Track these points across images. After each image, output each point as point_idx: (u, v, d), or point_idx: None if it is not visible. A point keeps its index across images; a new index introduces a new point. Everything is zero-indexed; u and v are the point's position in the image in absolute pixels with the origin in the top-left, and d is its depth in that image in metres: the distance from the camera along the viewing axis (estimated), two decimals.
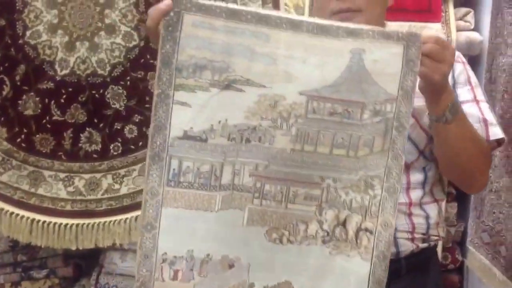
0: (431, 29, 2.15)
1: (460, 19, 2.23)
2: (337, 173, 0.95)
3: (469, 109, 1.17)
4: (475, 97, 1.20)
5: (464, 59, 1.25)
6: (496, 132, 1.18)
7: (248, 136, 0.92)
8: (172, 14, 0.89)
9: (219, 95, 0.90)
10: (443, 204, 1.30)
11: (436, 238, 1.23)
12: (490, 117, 1.19)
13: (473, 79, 1.23)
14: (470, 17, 2.24)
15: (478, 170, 1.15)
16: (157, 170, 0.90)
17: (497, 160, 2.09)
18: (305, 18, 1.09)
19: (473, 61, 2.28)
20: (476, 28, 2.25)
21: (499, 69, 2.16)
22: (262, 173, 0.93)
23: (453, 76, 1.19)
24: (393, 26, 2.10)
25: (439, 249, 2.09)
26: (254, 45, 0.90)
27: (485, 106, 1.20)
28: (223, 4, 0.92)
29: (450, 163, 1.14)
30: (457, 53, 1.22)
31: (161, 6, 0.93)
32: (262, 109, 0.91)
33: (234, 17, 0.90)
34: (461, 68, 1.22)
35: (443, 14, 2.19)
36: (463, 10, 2.24)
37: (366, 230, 0.96)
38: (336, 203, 0.95)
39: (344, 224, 0.96)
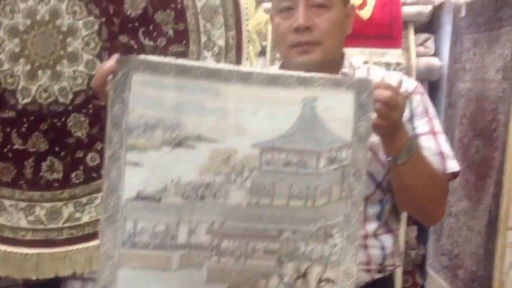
0: (391, 56, 2.20)
1: (420, 45, 2.28)
2: (296, 225, 0.93)
3: (426, 142, 1.19)
4: (432, 129, 1.22)
5: (422, 90, 1.27)
6: (452, 165, 1.20)
7: (202, 193, 0.91)
8: (120, 74, 0.89)
9: (171, 154, 0.90)
10: (399, 232, 1.33)
11: (391, 267, 1.26)
12: (447, 149, 1.21)
13: (431, 110, 1.25)
14: (430, 43, 2.29)
15: (434, 205, 1.18)
16: (112, 232, 0.89)
17: (456, 184, 2.14)
18: (256, 69, 1.10)
19: (433, 86, 2.33)
20: (436, 54, 2.30)
21: (458, 94, 2.22)
22: (218, 229, 0.92)
23: (411, 109, 1.21)
24: (354, 52, 2.16)
25: (398, 274, 2.13)
26: (204, 101, 0.90)
27: (442, 138, 1.23)
28: (172, 61, 0.91)
29: (407, 200, 1.17)
30: (416, 84, 1.26)
31: (106, 67, 0.92)
32: (215, 165, 0.90)
33: (184, 74, 0.89)
34: (418, 100, 1.23)
35: (404, 40, 2.23)
36: (423, 36, 2.29)
37: (328, 280, 0.95)
38: (296, 255, 0.94)
39: (305, 276, 0.95)
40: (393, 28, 2.19)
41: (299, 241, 0.93)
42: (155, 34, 1.83)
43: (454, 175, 1.20)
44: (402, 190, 1.14)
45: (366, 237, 1.20)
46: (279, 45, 1.24)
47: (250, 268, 0.93)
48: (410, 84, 1.24)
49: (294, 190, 0.92)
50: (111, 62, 0.91)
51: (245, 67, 1.25)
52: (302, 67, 1.17)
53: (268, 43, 2.16)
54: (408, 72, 2.21)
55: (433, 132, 1.20)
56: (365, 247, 1.20)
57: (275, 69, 1.28)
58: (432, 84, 2.32)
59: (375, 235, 1.22)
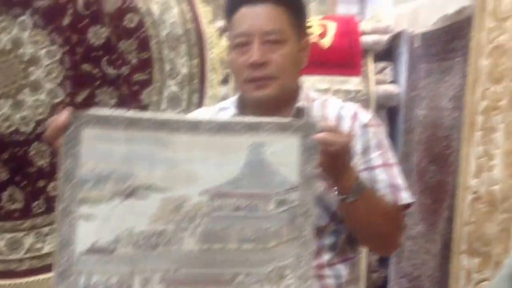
0: (351, 83, 2.27)
1: (379, 72, 2.36)
2: (249, 268, 0.95)
3: (380, 175, 1.22)
4: (386, 161, 1.25)
5: (377, 122, 1.30)
6: (405, 197, 1.23)
7: (155, 241, 0.92)
8: (71, 129, 0.90)
9: (123, 205, 0.91)
10: (358, 259, 1.35)
11: None
12: (400, 181, 1.24)
13: (385, 142, 1.28)
14: (388, 71, 2.38)
15: (388, 238, 1.21)
16: (66, 287, 0.89)
17: (414, 207, 2.21)
18: (204, 118, 1.12)
19: (392, 113, 2.41)
20: (394, 82, 2.38)
21: (415, 121, 2.30)
22: (172, 277, 0.92)
23: (365, 142, 1.24)
24: (316, 80, 2.22)
25: None
26: (154, 151, 0.91)
27: (395, 170, 1.25)
28: (122, 114, 0.93)
29: (360, 235, 1.21)
30: (370, 116, 1.29)
31: (58, 121, 0.93)
32: (167, 213, 0.92)
33: (134, 126, 0.91)
34: (373, 133, 1.26)
35: (363, 68, 2.31)
36: (382, 64, 2.37)
37: None
38: None
39: None
40: (353, 57, 2.27)
41: (253, 284, 0.95)
42: (118, 62, 1.85)
43: (408, 205, 1.24)
44: (353, 227, 1.17)
45: (321, 267, 1.22)
46: (236, 79, 1.26)
47: None
48: (364, 116, 1.27)
49: (246, 234, 0.95)
50: (62, 116, 0.92)
51: (193, 116, 1.27)
52: (258, 101, 1.22)
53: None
54: (367, 99, 2.29)
55: (387, 165, 1.24)
56: (320, 277, 1.22)
57: (229, 103, 1.31)
58: (390, 111, 2.40)
59: (330, 264, 1.24)
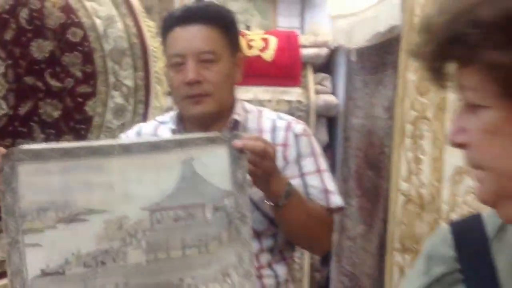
0: (293, 94, 2.37)
1: (319, 83, 2.47)
2: (195, 271, 1.00)
3: (312, 181, 1.29)
4: (318, 168, 1.32)
5: (309, 132, 1.36)
6: (336, 201, 1.31)
7: (102, 259, 0.96)
8: (6, 168, 0.93)
9: (67, 229, 0.95)
10: (293, 260, 1.43)
11: None
12: (331, 186, 1.32)
13: (317, 150, 1.35)
14: (327, 82, 2.50)
15: (318, 239, 1.29)
16: None
17: (354, 209, 2.33)
18: (136, 139, 1.18)
19: (331, 122, 2.53)
20: (333, 92, 2.50)
21: (352, 129, 2.43)
22: None
23: (297, 150, 1.31)
24: (259, 90, 2.31)
25: None
26: (90, 177, 0.95)
27: (326, 176, 1.33)
28: (55, 146, 0.97)
29: (292, 237, 1.28)
30: (303, 127, 1.36)
31: None
32: (110, 233, 0.96)
33: (68, 156, 0.95)
34: (305, 142, 1.33)
35: (303, 80, 2.42)
36: (321, 75, 2.49)
37: None
38: None
39: None
40: (293, 69, 2.38)
41: (201, 285, 1.00)
42: (62, 75, 1.87)
43: (339, 208, 1.32)
44: (286, 230, 1.24)
45: (260, 267, 1.29)
46: (174, 96, 1.31)
47: None
48: (297, 127, 1.34)
49: (187, 241, 1.00)
50: None
51: (125, 139, 1.31)
52: (195, 117, 1.27)
53: None
54: (308, 109, 2.40)
55: (319, 171, 1.31)
56: (260, 277, 1.29)
57: (168, 117, 1.35)
58: (330, 120, 2.52)
59: (269, 265, 1.31)
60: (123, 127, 1.90)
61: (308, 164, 1.30)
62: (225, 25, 1.26)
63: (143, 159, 0.99)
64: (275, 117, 1.35)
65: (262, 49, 2.34)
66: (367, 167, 2.21)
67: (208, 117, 1.26)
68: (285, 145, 1.30)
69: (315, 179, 1.30)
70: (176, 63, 1.25)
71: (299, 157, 1.30)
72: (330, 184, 1.32)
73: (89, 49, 1.89)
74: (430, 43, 0.54)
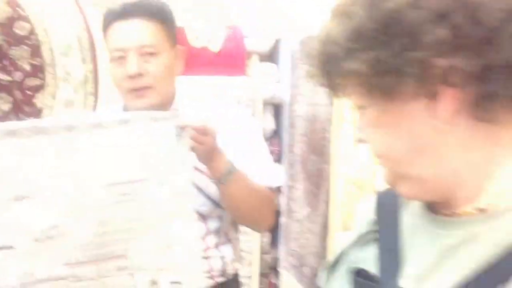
0: (240, 83, 2.46)
1: (264, 73, 2.57)
2: (139, 242, 1.05)
3: (254, 163, 1.34)
4: (258, 151, 1.38)
5: (251, 118, 1.43)
6: (275, 180, 1.38)
7: (53, 234, 1.00)
8: None
9: (17, 206, 0.98)
10: (238, 240, 1.49)
11: (232, 272, 1.42)
12: (271, 167, 1.39)
13: (258, 135, 1.41)
14: (273, 71, 2.60)
15: (259, 216, 1.36)
16: None
17: (300, 193, 2.45)
18: (79, 118, 1.16)
19: (277, 109, 2.63)
20: (279, 81, 2.60)
21: (297, 116, 2.54)
22: (73, 261, 1.02)
23: (241, 136, 1.36)
24: (205, 81, 2.38)
25: (255, 277, 2.37)
26: (38, 155, 0.98)
27: (267, 158, 1.40)
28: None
29: (235, 213, 1.35)
30: (245, 114, 1.43)
31: None
32: (59, 208, 1.00)
33: (13, 135, 0.97)
34: (247, 128, 1.39)
35: (249, 70, 2.51)
36: (267, 64, 2.59)
37: (177, 283, 1.07)
38: (146, 267, 1.06)
39: (156, 283, 1.07)
40: (239, 59, 2.46)
41: (144, 255, 1.06)
42: (10, 69, 1.89)
43: (279, 188, 1.43)
44: (229, 206, 1.31)
45: (207, 249, 1.36)
46: (118, 89, 1.33)
47: (106, 286, 1.04)
48: (238, 114, 1.40)
49: (133, 215, 1.05)
50: None
51: (67, 118, 1.28)
52: (139, 109, 1.27)
53: None
54: (254, 97, 2.49)
55: (260, 153, 1.39)
56: (207, 258, 1.36)
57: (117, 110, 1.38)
58: (276, 107, 2.62)
59: (216, 246, 1.38)
60: None
61: (249, 148, 1.37)
62: (164, 18, 1.29)
63: (91, 137, 1.02)
64: (215, 105, 1.41)
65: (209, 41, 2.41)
66: (311, 152, 2.33)
67: (151, 109, 1.28)
68: (224, 129, 1.35)
69: (257, 161, 1.36)
70: (117, 57, 1.27)
71: (241, 142, 1.36)
72: (271, 165, 1.40)
73: (37, 42, 1.91)
74: (315, 60, 0.63)
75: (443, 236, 0.63)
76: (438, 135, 0.60)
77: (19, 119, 1.91)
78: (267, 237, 2.48)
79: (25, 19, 1.91)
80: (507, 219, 0.60)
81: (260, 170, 1.37)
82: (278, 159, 2.55)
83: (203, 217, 1.34)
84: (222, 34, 2.41)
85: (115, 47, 1.28)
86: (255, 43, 2.51)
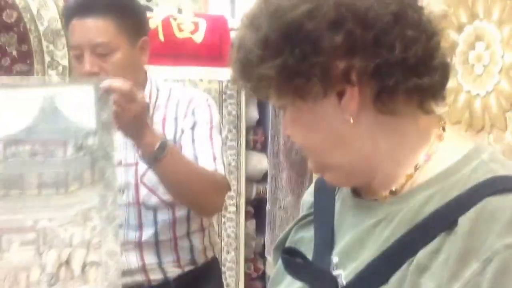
0: (222, 73, 2.50)
1: None
2: (51, 213, 0.94)
3: (203, 147, 1.32)
4: (210, 135, 1.34)
5: (211, 103, 1.39)
6: (221, 168, 1.32)
7: None
8: None
9: None
10: (213, 227, 1.48)
11: (204, 260, 1.41)
12: (218, 154, 1.33)
13: (215, 120, 1.37)
14: None
15: (203, 199, 1.29)
16: None
17: (283, 181, 2.50)
18: None
19: (260, 99, 2.69)
20: None
21: None
22: None
23: (194, 119, 1.34)
24: (190, 70, 2.42)
25: (241, 262, 2.41)
26: None
27: (217, 143, 1.34)
28: None
29: (174, 194, 1.27)
30: (206, 97, 1.40)
31: None
32: None
33: None
34: (204, 111, 1.35)
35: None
36: None
37: (92, 263, 0.96)
38: (56, 243, 0.94)
39: (68, 262, 0.95)
40: (223, 50, 2.50)
41: (58, 227, 0.94)
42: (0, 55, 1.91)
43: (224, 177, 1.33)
44: (168, 186, 1.25)
45: (175, 239, 1.35)
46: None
47: (7, 262, 0.92)
48: (199, 98, 1.39)
49: (45, 179, 0.95)
50: None
51: None
52: None
53: None
54: (238, 87, 2.54)
55: (210, 138, 1.35)
56: (175, 247, 1.35)
57: None
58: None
59: (187, 235, 1.37)
60: None
61: (201, 132, 1.35)
62: (120, 14, 1.27)
63: (2, 93, 0.95)
64: (181, 92, 1.41)
65: (192, 32, 2.45)
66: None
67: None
68: (185, 115, 1.35)
69: (207, 145, 1.33)
70: (76, 55, 1.28)
71: (194, 125, 1.35)
72: (218, 152, 1.35)
73: (24, 30, 1.94)
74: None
75: (365, 218, 0.71)
76: (348, 128, 0.67)
77: None
78: (252, 224, 2.53)
79: (13, 7, 1.93)
80: (415, 199, 0.67)
81: (207, 156, 1.33)
82: (262, 148, 2.60)
83: (170, 205, 1.33)
84: (206, 25, 2.45)
85: (72, 46, 1.31)
86: None
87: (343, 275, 0.69)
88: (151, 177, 1.29)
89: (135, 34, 1.30)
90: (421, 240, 0.63)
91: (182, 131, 1.35)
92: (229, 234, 2.39)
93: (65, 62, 2.00)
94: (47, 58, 1.98)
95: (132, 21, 1.30)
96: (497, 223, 0.58)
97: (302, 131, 0.69)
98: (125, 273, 1.25)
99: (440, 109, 0.71)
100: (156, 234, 1.34)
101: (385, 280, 0.64)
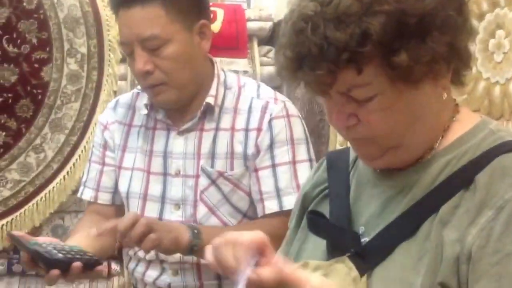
0: (239, 64, 2.52)
1: (264, 55, 2.63)
2: None
3: (284, 173, 1.15)
4: (293, 157, 1.18)
5: (287, 112, 1.20)
6: (286, 203, 1.16)
7: None
8: None
9: None
10: None
11: None
12: (293, 183, 1.15)
13: (296, 135, 1.19)
14: (272, 54, 2.66)
15: None
16: None
17: None
18: None
19: (276, 91, 2.69)
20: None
21: (294, 98, 2.60)
22: None
23: (271, 136, 1.17)
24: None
25: None
26: None
27: (301, 168, 1.16)
28: None
29: None
30: (282, 107, 1.21)
31: None
32: None
33: None
34: (281, 125, 1.18)
35: (249, 51, 2.57)
36: (266, 47, 2.64)
37: None
38: None
39: None
40: (240, 41, 2.51)
41: None
42: (19, 41, 1.94)
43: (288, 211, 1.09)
44: None
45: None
46: (140, 85, 1.24)
47: None
48: (274, 108, 1.23)
49: None
50: None
51: None
52: (161, 106, 1.18)
53: None
54: (253, 79, 2.55)
55: (293, 162, 1.18)
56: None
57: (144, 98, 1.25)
58: (274, 89, 2.68)
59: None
60: (78, 93, 1.99)
61: (282, 153, 1.17)
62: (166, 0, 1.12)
63: None
64: (254, 94, 1.25)
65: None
66: (309, 134, 2.39)
67: (174, 103, 1.17)
68: (259, 129, 1.19)
69: (288, 171, 1.17)
70: (127, 53, 1.18)
71: (272, 144, 1.18)
72: (296, 179, 1.17)
73: (44, 17, 1.96)
74: (320, 54, 0.70)
75: (387, 187, 0.76)
76: (438, 104, 0.74)
77: (26, 91, 1.96)
78: None
79: None
80: (433, 166, 0.73)
81: (295, 184, 1.16)
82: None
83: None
84: (223, 14, 2.46)
85: (121, 42, 1.20)
86: (255, 25, 2.57)
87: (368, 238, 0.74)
88: (213, 194, 1.17)
89: (191, 18, 1.15)
90: (442, 198, 0.70)
91: (258, 151, 1.17)
92: None
93: (84, 50, 2.02)
94: (66, 46, 2.00)
95: (186, 3, 1.15)
96: (509, 177, 0.68)
97: (394, 116, 0.72)
98: None
99: (459, 97, 0.80)
100: None
101: (410, 234, 0.70)
